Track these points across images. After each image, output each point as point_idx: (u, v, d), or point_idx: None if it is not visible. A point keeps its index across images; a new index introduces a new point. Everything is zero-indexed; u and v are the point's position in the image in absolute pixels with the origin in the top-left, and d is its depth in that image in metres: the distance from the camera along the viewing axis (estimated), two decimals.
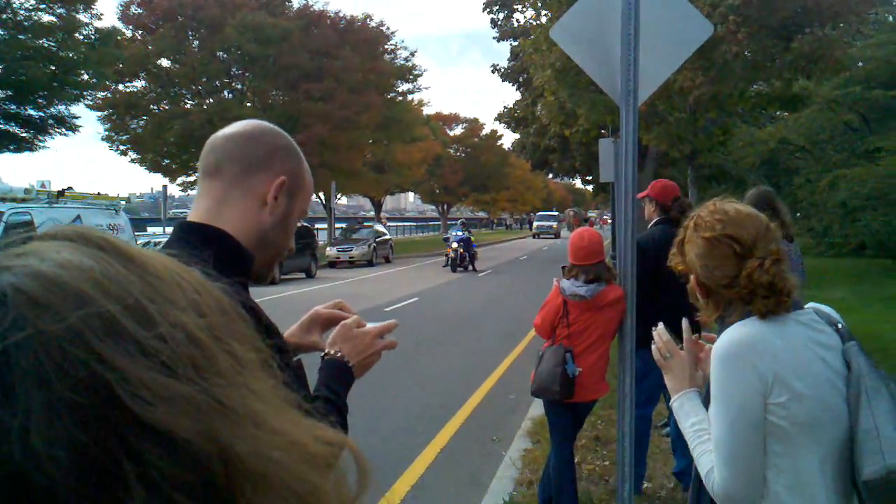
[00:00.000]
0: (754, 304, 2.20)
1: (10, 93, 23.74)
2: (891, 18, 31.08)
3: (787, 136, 32.84)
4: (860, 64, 28.96)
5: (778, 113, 28.12)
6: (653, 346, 2.50)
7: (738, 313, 2.25)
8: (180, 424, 0.52)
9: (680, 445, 6.02)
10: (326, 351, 1.88)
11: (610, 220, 39.05)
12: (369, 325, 1.95)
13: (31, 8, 23.89)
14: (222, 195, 1.65)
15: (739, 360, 2.14)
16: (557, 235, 71.92)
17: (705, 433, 2.25)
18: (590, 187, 59.54)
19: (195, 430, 0.53)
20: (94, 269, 0.56)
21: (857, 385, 2.12)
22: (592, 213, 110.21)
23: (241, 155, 1.66)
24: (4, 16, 23.12)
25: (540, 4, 22.27)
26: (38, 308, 0.52)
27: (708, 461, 2.21)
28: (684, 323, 2.51)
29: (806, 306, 2.32)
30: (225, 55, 37.52)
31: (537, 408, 7.99)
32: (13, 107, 24.34)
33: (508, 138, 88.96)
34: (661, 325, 2.53)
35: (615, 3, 5.07)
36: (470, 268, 30.85)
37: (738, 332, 2.19)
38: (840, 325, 2.27)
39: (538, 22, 22.69)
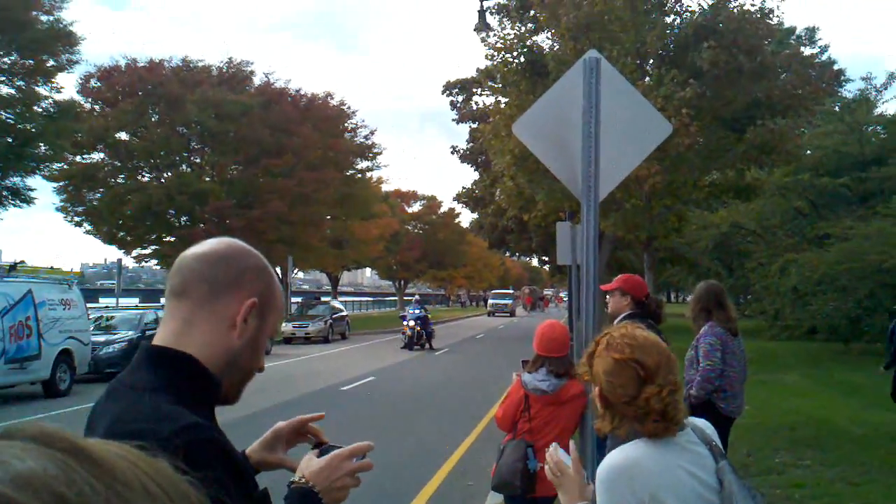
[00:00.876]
0: (645, 424, 2.40)
1: None
2: (837, 108, 32.12)
3: (739, 221, 33.53)
4: (808, 152, 29.81)
5: (731, 200, 28.76)
6: (545, 467, 2.65)
7: (625, 428, 2.44)
8: None
9: None
10: (292, 479, 1.77)
11: (566, 300, 39.28)
12: (339, 449, 1.82)
13: None
14: (189, 317, 1.61)
15: (618, 483, 2.36)
16: (513, 314, 70.68)
17: None
18: (546, 267, 60.00)
19: None
20: (58, 482, 0.53)
21: (729, 501, 2.35)
22: (548, 291, 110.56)
23: (210, 276, 1.62)
24: None
25: (500, 91, 22.68)
26: None
27: None
28: (571, 444, 2.77)
29: (686, 420, 2.50)
30: (185, 129, 37.52)
31: (497, 495, 7.85)
32: None
33: (466, 217, 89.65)
34: (553, 445, 2.69)
35: (576, 102, 5.18)
36: (427, 346, 30.71)
37: (617, 458, 2.40)
38: (714, 444, 2.48)
39: (497, 108, 23.07)
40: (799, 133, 22.04)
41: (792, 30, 35.57)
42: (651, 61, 20.61)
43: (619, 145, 5.33)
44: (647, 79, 19.54)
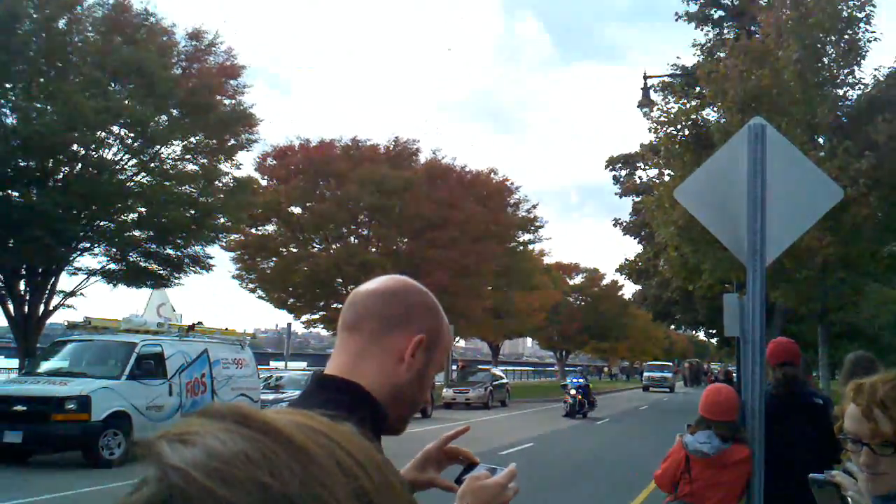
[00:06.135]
0: None
1: (151, 234, 25.17)
2: None
3: None
4: None
5: None
6: (850, 493, 2.21)
7: None
8: None
9: None
10: None
11: (735, 375, 37.76)
12: (496, 476, 1.86)
13: (177, 158, 25.60)
14: (360, 350, 1.67)
15: None
16: (672, 389, 65.26)
17: None
18: (714, 340, 58.02)
19: None
20: (258, 468, 0.56)
21: None
22: (715, 366, 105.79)
23: (381, 312, 1.68)
24: (153, 164, 24.77)
25: (663, 164, 22.49)
26: None
27: None
28: (851, 466, 2.31)
29: None
30: (351, 204, 38.91)
31: None
32: (153, 246, 25.72)
33: (629, 288, 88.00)
34: (838, 473, 2.30)
35: (741, 167, 5.10)
36: (587, 415, 30.25)
37: None
38: None
39: (661, 180, 22.86)
40: None
41: None
42: (823, 134, 19.95)
43: (787, 210, 5.19)
44: (821, 153, 18.90)
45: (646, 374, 69.16)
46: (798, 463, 5.41)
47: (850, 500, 2.11)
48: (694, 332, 67.57)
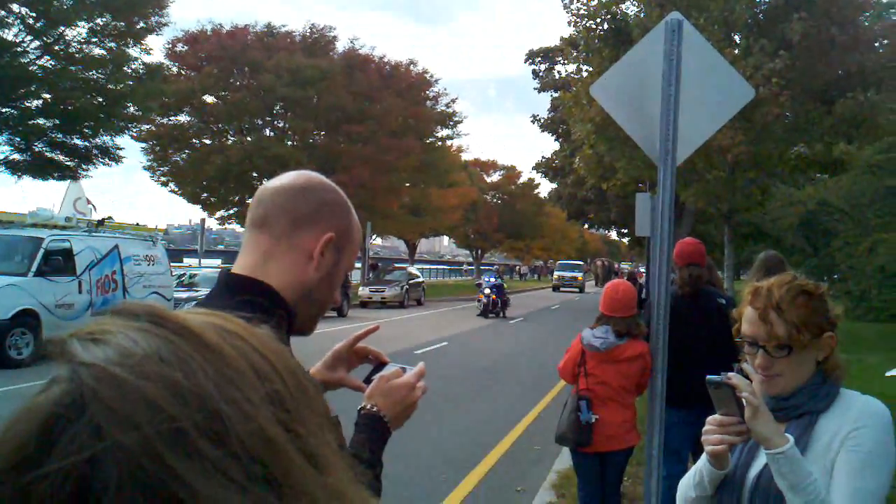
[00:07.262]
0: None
1: (57, 122, 24.16)
2: None
3: (827, 198, 32.56)
4: None
5: (818, 175, 27.90)
6: (744, 394, 2.19)
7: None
8: None
9: None
10: (363, 405, 1.83)
11: (645, 274, 38.79)
12: (405, 375, 1.89)
13: (83, 41, 24.39)
14: (269, 249, 1.64)
15: None
16: (582, 289, 63.12)
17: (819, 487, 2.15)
18: (625, 240, 59.29)
19: None
20: (171, 368, 0.56)
21: None
22: (626, 266, 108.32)
23: (290, 209, 1.64)
24: (57, 47, 23.61)
25: (582, 59, 22.41)
26: (115, 418, 0.52)
27: None
28: (747, 368, 2.32)
29: None
30: (266, 94, 38.05)
31: (564, 461, 7.88)
32: (60, 136, 24.74)
33: (545, 187, 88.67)
34: (734, 374, 2.26)
35: (656, 64, 5.07)
36: (501, 314, 30.85)
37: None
38: None
39: (579, 76, 22.82)
40: (891, 107, 21.24)
41: (893, 3, 34.08)
42: (739, 32, 20.09)
43: (699, 109, 5.20)
44: (736, 50, 19.05)
45: (556, 273, 67.18)
46: (699, 362, 5.57)
47: (744, 401, 2.17)
48: (607, 231, 68.50)
